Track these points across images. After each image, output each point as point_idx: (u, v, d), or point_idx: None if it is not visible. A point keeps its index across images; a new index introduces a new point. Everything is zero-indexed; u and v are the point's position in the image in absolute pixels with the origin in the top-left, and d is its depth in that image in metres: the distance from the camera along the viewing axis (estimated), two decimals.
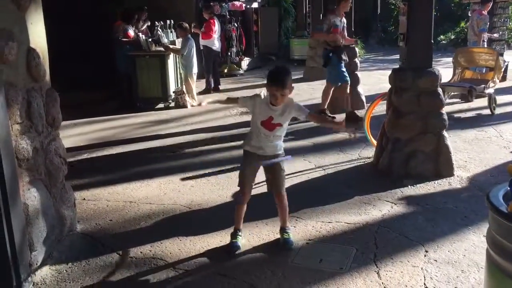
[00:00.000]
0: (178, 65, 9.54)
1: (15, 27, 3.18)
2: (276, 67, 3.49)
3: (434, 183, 4.86)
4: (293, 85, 3.41)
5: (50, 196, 3.57)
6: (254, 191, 4.80)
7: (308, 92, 10.20)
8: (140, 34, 9.36)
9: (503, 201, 1.99)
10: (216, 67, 11.01)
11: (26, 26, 3.34)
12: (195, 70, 9.24)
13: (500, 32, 11.26)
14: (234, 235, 3.69)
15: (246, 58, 14.05)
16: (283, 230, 3.71)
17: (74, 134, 7.16)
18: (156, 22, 9.92)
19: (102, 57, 10.23)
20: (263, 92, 3.51)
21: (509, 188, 2.06)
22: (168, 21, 10.11)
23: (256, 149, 3.54)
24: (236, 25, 13.32)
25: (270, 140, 3.51)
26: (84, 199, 4.72)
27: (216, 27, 10.62)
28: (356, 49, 8.85)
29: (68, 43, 10.40)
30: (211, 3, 11.95)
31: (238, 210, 3.72)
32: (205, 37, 10.30)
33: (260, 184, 4.89)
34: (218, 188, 4.91)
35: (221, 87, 10.98)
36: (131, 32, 9.47)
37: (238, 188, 3.76)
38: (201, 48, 10.24)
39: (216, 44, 10.64)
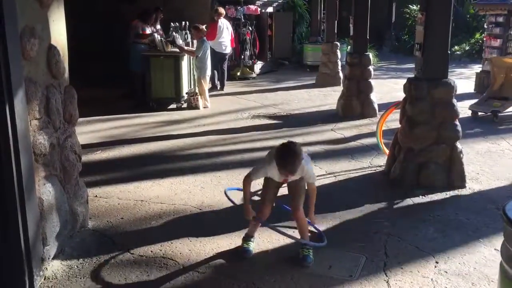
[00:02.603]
0: (191, 67, 9.58)
1: (37, 24, 3.23)
2: (284, 147, 3.32)
3: (446, 194, 4.84)
4: (302, 158, 3.32)
5: (64, 192, 3.61)
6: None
7: (319, 98, 10.20)
8: (156, 34, 9.42)
9: None
10: (223, 69, 11.09)
11: (48, 23, 3.39)
12: (208, 72, 9.28)
13: None
14: (246, 240, 3.68)
15: (259, 62, 14.07)
16: (303, 244, 3.58)
17: (87, 131, 7.22)
18: (171, 23, 9.98)
19: (116, 55, 10.30)
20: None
21: None
22: (183, 23, 10.18)
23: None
24: (250, 29, 13.35)
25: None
26: (96, 196, 4.76)
27: (222, 29, 10.69)
28: (370, 56, 8.85)
29: (84, 40, 10.49)
30: (226, 6, 12.00)
31: (254, 224, 3.72)
32: (208, 39, 10.45)
33: None
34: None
35: (234, 90, 11.02)
36: (148, 31, 9.54)
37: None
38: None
39: (222, 46, 10.73)
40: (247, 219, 3.64)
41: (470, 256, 3.60)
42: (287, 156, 3.27)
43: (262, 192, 3.79)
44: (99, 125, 7.78)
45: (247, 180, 3.56)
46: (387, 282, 3.26)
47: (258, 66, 13.96)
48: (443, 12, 5.01)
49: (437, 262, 3.52)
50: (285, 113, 8.80)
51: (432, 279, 3.29)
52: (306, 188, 3.64)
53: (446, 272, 3.39)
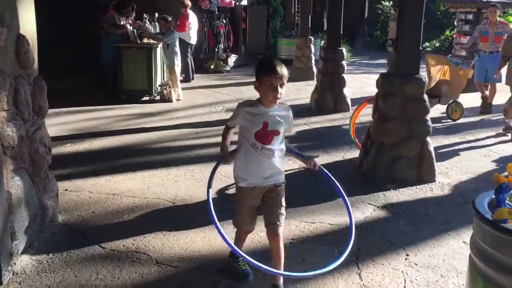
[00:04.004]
0: (163, 58, 9.49)
1: (5, 13, 3.13)
2: (268, 57, 3.09)
3: (416, 188, 4.93)
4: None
5: (34, 186, 3.52)
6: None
7: (293, 92, 10.23)
8: (128, 26, 9.28)
9: (488, 209, 2.03)
10: (191, 60, 11.11)
11: (16, 12, 3.29)
12: (178, 62, 9.17)
13: None
14: (236, 261, 3.21)
15: (233, 55, 14.02)
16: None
17: (56, 123, 7.05)
18: (144, 15, 9.84)
19: (89, 45, 10.10)
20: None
21: (494, 196, 2.11)
22: (156, 14, 10.06)
23: (256, 177, 2.87)
24: (224, 22, 13.27)
25: (270, 156, 2.84)
26: (66, 189, 4.66)
27: (192, 21, 10.75)
28: (344, 51, 8.92)
29: (55, 30, 10.25)
30: None
31: (240, 237, 3.18)
32: (178, 30, 10.47)
33: None
34: (203, 184, 4.89)
35: (207, 83, 10.97)
36: (122, 23, 9.38)
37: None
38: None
39: (191, 37, 10.81)
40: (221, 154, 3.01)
41: (440, 249, 3.68)
42: (275, 59, 2.88)
43: (236, 208, 3.04)
44: (69, 117, 7.62)
45: (225, 131, 3.05)
46: (359, 274, 3.31)
47: (232, 59, 13.91)
48: (415, 9, 5.08)
49: (407, 255, 3.58)
50: None
51: (402, 271, 3.35)
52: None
53: (416, 264, 3.45)
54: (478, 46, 8.86)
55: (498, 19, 8.53)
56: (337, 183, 3.09)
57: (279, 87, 2.73)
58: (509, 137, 6.89)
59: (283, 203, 3.01)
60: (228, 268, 3.27)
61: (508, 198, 2.06)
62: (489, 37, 8.43)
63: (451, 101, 7.95)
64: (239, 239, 3.19)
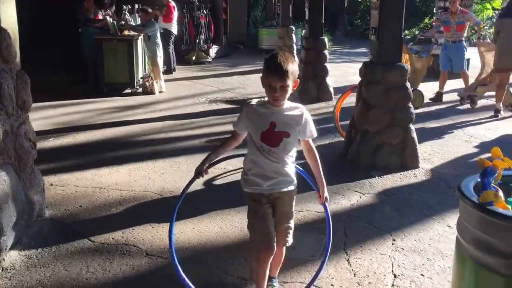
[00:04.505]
0: (144, 50, 9.41)
1: None
2: (274, 53, 2.53)
3: (401, 174, 5.02)
4: (297, 79, 2.50)
5: (20, 181, 3.49)
6: (225, 179, 4.86)
7: None
8: (108, 17, 9.16)
9: (474, 192, 2.09)
10: (173, 51, 11.17)
11: None
12: (160, 54, 9.12)
13: None
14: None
15: (214, 46, 13.97)
16: (269, 280, 2.79)
17: (38, 118, 6.93)
18: (123, 6, 9.74)
19: (69, 39, 9.94)
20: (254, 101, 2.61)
21: (479, 180, 2.16)
22: (136, 6, 9.96)
23: (262, 181, 2.55)
24: (205, 13, 13.20)
25: (278, 161, 2.54)
26: (52, 184, 4.63)
27: (175, 12, 10.90)
28: (326, 40, 8.96)
29: (35, 24, 10.06)
30: None
31: (261, 266, 2.67)
32: (166, 20, 10.49)
33: (231, 173, 4.93)
34: (190, 176, 4.75)
35: (189, 74, 10.94)
36: (100, 16, 9.27)
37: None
38: (161, 31, 10.18)
39: (174, 27, 10.94)
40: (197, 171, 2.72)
41: (425, 233, 3.77)
42: (279, 56, 2.45)
43: (248, 223, 2.67)
44: (50, 112, 7.53)
45: (227, 139, 2.74)
46: (347, 260, 3.37)
47: (213, 50, 13.86)
48: None
49: (394, 240, 3.65)
50: (242, 98, 8.80)
51: (390, 256, 3.42)
52: (306, 153, 2.72)
53: (403, 248, 3.53)
54: (442, 35, 8.99)
55: (459, 8, 8.62)
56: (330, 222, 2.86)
57: (277, 87, 2.41)
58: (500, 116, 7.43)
59: (292, 215, 2.71)
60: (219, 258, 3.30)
61: (493, 181, 2.11)
62: (451, 26, 8.47)
63: (412, 89, 8.05)
64: (259, 267, 2.66)
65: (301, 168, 2.75)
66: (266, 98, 2.53)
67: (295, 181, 2.66)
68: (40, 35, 10.64)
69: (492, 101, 8.01)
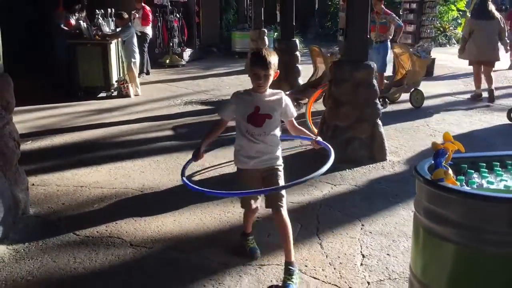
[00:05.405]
0: (120, 54, 9.52)
1: None
2: (258, 49, 3.06)
3: (370, 166, 5.31)
4: (277, 70, 2.98)
5: (6, 179, 3.62)
6: (203, 175, 5.06)
7: (249, 84, 10.44)
8: (81, 22, 9.24)
9: (428, 172, 2.35)
10: (147, 54, 11.34)
11: None
12: (137, 57, 9.26)
13: (428, 30, 12.07)
14: (246, 240, 3.46)
15: (188, 49, 14.13)
16: (287, 268, 3.05)
17: (14, 122, 7.01)
18: (96, 10, 9.82)
19: (44, 43, 9.98)
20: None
21: (433, 162, 2.43)
22: (109, 10, 10.05)
23: (248, 160, 3.03)
24: (178, 16, 13.36)
25: (263, 141, 2.98)
26: (33, 184, 4.74)
27: (151, 15, 11.19)
28: (297, 42, 9.24)
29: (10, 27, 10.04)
30: None
31: (246, 216, 3.43)
32: (144, 24, 10.69)
33: (216, 167, 5.13)
34: (169, 173, 5.08)
35: (164, 77, 11.09)
36: (72, 21, 9.34)
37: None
38: (138, 34, 10.29)
39: (151, 31, 11.22)
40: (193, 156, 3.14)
41: (391, 218, 4.05)
42: (263, 50, 2.98)
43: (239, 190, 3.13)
44: (26, 116, 7.58)
45: (214, 125, 3.19)
46: (320, 244, 3.61)
47: (187, 53, 14.02)
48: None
49: (363, 225, 3.92)
50: (217, 99, 9.01)
51: (359, 239, 3.68)
52: (293, 130, 3.23)
53: (371, 232, 3.79)
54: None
55: (384, 9, 8.63)
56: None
57: (262, 75, 2.89)
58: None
59: (279, 184, 3.06)
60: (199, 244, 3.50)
61: (444, 162, 2.38)
62: (376, 26, 8.55)
63: (412, 89, 8.41)
64: (246, 218, 3.44)
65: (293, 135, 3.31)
66: (250, 88, 3.03)
67: (280, 159, 3.13)
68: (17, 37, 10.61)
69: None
